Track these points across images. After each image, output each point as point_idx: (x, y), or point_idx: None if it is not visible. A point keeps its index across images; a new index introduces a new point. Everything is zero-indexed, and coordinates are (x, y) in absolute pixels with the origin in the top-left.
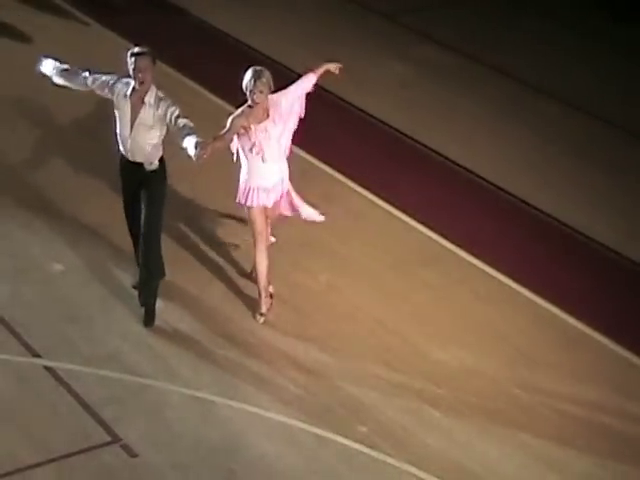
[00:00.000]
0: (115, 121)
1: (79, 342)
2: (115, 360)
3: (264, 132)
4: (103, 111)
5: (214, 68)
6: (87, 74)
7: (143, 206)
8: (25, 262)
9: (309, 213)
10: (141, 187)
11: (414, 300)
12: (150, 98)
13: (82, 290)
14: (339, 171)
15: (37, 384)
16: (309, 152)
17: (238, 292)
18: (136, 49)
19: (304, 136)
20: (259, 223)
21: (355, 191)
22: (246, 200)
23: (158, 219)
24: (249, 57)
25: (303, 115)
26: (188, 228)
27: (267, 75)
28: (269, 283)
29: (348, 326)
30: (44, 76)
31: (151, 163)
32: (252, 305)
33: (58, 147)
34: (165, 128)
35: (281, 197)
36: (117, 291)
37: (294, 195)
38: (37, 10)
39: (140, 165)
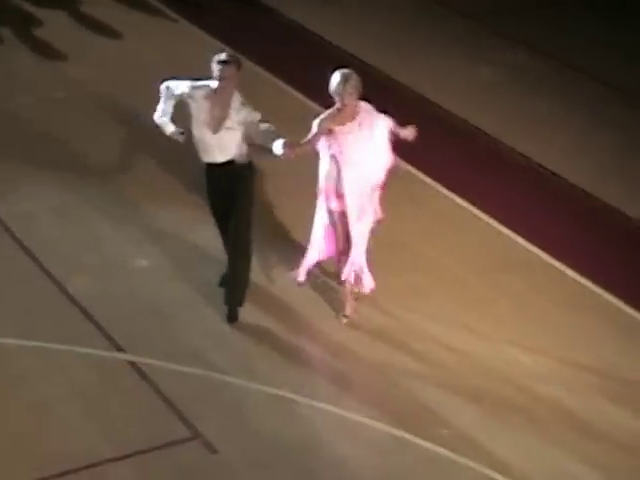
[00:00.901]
0: (194, 126)
1: (162, 338)
2: (197, 357)
3: (348, 134)
4: None
5: (302, 68)
6: (167, 86)
7: (232, 210)
8: (111, 257)
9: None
10: (229, 188)
11: (497, 304)
12: (233, 102)
13: (166, 286)
14: (425, 173)
15: (120, 378)
16: (395, 153)
17: (321, 291)
18: (223, 56)
19: (391, 139)
20: (341, 227)
21: (441, 193)
22: (326, 202)
23: (247, 221)
24: (336, 57)
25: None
26: (270, 227)
27: (355, 78)
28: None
29: (431, 329)
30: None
31: (241, 155)
32: (335, 304)
33: (146, 145)
34: (245, 131)
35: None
36: (200, 288)
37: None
38: (129, 8)
39: (226, 165)
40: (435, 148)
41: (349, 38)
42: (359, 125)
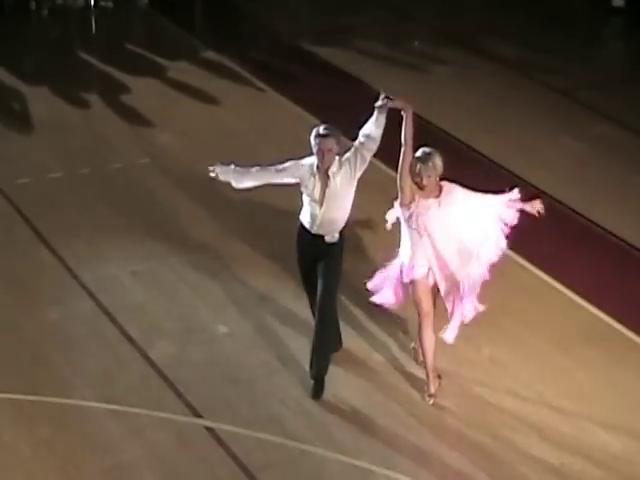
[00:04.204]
0: (303, 202)
1: (240, 404)
2: (275, 424)
3: (425, 209)
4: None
5: (387, 138)
6: (262, 168)
7: (319, 278)
8: (191, 323)
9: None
10: (318, 259)
11: (577, 378)
12: (334, 167)
13: (246, 353)
14: (507, 245)
15: (198, 444)
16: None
17: (401, 364)
18: (322, 130)
19: None
20: (425, 303)
21: (522, 265)
22: (408, 275)
23: (334, 292)
24: (422, 128)
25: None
26: (353, 296)
27: (435, 159)
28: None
29: (510, 402)
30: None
31: (333, 235)
32: (412, 376)
33: (227, 214)
34: (354, 185)
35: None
36: (280, 356)
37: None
38: (216, 76)
39: (320, 237)
40: (518, 221)
41: (436, 110)
42: (439, 205)
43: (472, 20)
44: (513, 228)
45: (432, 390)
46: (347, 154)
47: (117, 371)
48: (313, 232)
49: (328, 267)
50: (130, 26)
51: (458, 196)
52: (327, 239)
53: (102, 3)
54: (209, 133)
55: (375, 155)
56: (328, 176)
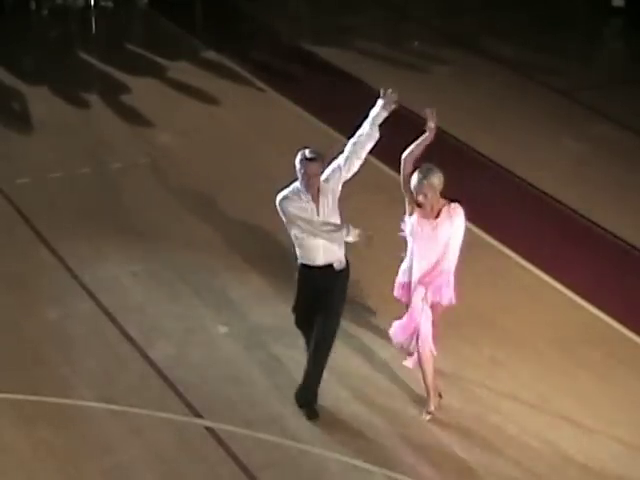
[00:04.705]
0: (299, 244)
1: (240, 404)
2: (275, 424)
3: (420, 227)
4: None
5: (386, 137)
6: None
7: (324, 308)
8: (191, 323)
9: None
10: (323, 294)
11: (577, 378)
12: (322, 188)
13: (246, 353)
14: (506, 245)
15: (198, 444)
16: (477, 225)
17: (401, 363)
18: (307, 153)
19: (473, 209)
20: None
21: (522, 266)
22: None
23: (338, 316)
24: (422, 128)
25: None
26: (353, 296)
27: (431, 177)
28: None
29: (510, 402)
30: None
31: (340, 262)
32: (412, 376)
33: (227, 215)
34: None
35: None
36: (280, 356)
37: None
38: (216, 76)
39: (329, 267)
40: (517, 221)
41: (436, 109)
42: (433, 228)
43: (472, 20)
44: (513, 228)
45: (432, 408)
46: (335, 162)
47: (117, 371)
48: (320, 265)
49: (333, 295)
50: (130, 26)
51: (458, 222)
52: (336, 266)
53: (102, 3)
54: (209, 133)
55: (375, 156)
56: (319, 198)
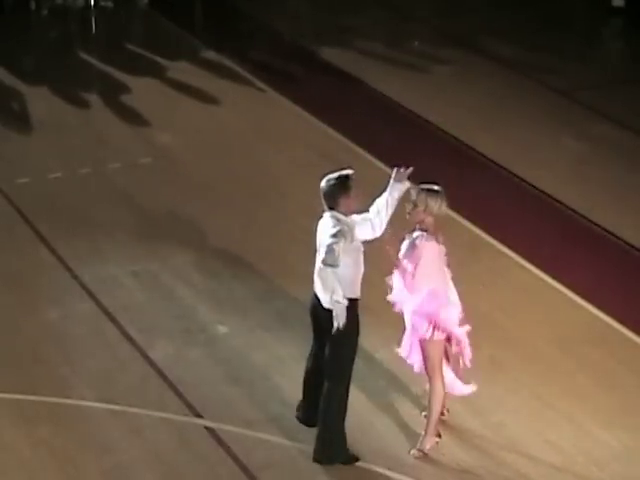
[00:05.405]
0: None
1: (240, 404)
2: (275, 424)
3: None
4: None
5: (386, 137)
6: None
7: (325, 374)
8: (191, 323)
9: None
10: (323, 332)
11: (577, 378)
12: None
13: (246, 353)
14: (507, 245)
15: (198, 444)
16: (477, 225)
17: (401, 363)
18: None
19: (473, 208)
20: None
21: (522, 266)
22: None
23: (338, 389)
24: (422, 128)
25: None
26: None
27: (428, 198)
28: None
29: (510, 402)
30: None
31: (331, 297)
32: (412, 376)
33: (227, 214)
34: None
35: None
36: (280, 356)
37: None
38: (216, 76)
39: (327, 310)
40: (517, 220)
41: (435, 109)
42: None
43: (472, 20)
44: (513, 228)
45: (427, 447)
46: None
47: (117, 371)
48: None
49: (331, 342)
50: (130, 26)
51: (416, 253)
52: (324, 303)
53: (102, 3)
54: (209, 133)
55: (375, 154)
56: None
